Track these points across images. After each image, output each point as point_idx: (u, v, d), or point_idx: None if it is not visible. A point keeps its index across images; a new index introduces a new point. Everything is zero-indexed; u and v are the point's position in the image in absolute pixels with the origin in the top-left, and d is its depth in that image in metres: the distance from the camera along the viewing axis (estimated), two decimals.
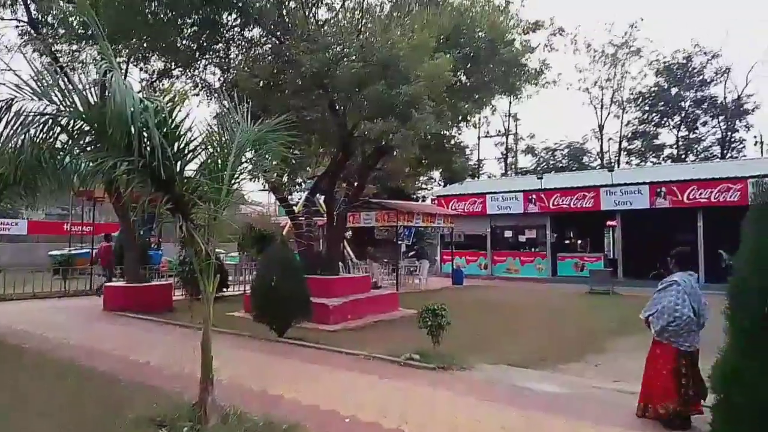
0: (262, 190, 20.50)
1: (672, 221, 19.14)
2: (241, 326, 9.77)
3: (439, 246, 24.84)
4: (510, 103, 34.75)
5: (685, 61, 29.61)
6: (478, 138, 36.87)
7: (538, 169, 32.28)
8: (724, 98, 29.37)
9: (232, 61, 11.85)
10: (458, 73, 11.22)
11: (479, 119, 35.47)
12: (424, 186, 34.80)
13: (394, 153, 12.13)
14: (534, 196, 22.02)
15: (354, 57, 8.87)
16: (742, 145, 29.09)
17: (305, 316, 9.08)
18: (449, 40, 10.59)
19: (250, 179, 7.00)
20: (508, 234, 23.35)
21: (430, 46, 8.70)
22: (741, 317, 3.68)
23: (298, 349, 8.29)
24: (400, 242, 20.87)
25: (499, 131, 36.78)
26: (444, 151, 14.06)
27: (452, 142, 14.65)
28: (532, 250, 22.65)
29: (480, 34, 11.11)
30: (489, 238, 23.48)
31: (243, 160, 5.27)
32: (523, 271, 22.20)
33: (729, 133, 29.29)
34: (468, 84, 12.13)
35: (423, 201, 30.04)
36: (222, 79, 11.95)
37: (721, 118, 29.23)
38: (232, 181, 4.99)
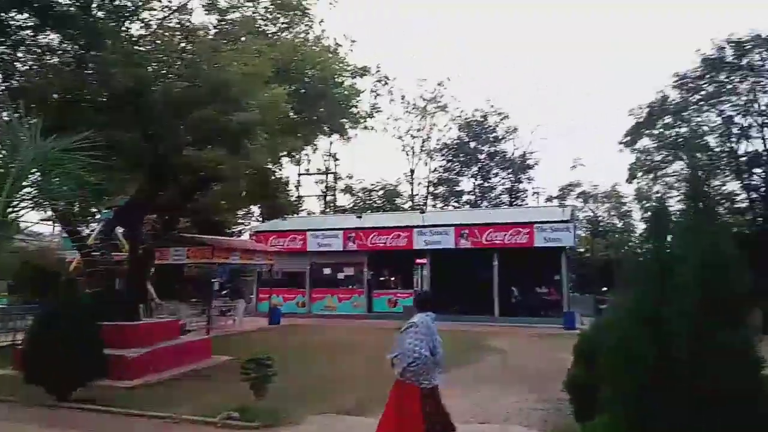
0: (45, 220, 17.40)
1: (473, 260, 21.10)
2: (9, 389, 7.81)
3: (256, 283, 23.76)
4: (331, 143, 35.75)
5: (482, 119, 33.87)
6: (299, 174, 36.92)
7: (356, 208, 33.38)
8: (512, 153, 34.17)
9: (19, 66, 9.84)
10: (289, 108, 10.93)
11: (301, 156, 35.72)
12: (241, 221, 33.38)
13: (216, 185, 11.21)
14: (353, 235, 22.49)
15: (178, 76, 7.97)
16: (525, 195, 34.06)
17: (98, 373, 7.58)
18: (280, 74, 10.28)
19: (34, 208, 5.65)
20: (327, 271, 23.37)
21: (266, 75, 8.27)
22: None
23: (85, 416, 6.84)
24: (213, 280, 19.35)
25: (319, 169, 37.37)
26: (268, 186, 13.53)
27: (276, 176, 14.20)
28: (350, 287, 22.96)
29: (311, 72, 11.04)
30: (308, 276, 23.21)
31: (25, 183, 4.21)
32: (340, 308, 22.30)
33: (516, 184, 34.03)
34: (297, 119, 11.90)
35: (239, 236, 28.68)
36: (4, 86, 9.83)
37: (509, 170, 33.86)
38: (9, 210, 3.91)
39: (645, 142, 29.96)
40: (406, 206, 35.35)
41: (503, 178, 34.44)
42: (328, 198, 37.52)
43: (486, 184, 34.88)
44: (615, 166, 70.26)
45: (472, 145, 34.29)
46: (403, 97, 34.29)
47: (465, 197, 35.37)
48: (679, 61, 51.95)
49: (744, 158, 26.47)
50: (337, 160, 37.02)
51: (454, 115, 34.85)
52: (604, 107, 62.93)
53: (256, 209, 33.35)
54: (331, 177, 37.33)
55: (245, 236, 26.89)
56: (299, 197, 36.67)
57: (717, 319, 3.00)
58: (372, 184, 35.39)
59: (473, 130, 34.12)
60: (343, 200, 37.29)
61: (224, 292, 21.97)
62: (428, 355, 4.92)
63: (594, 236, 28.61)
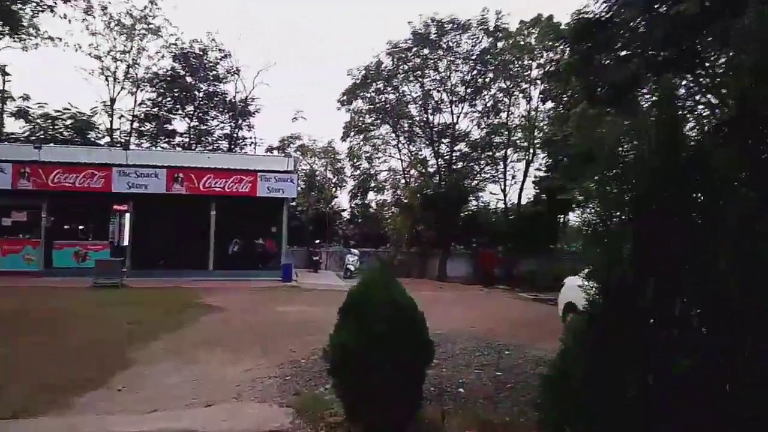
0: None
1: (187, 208, 18.89)
2: None
3: None
4: None
5: (201, 53, 30.45)
6: None
7: (33, 138, 26.42)
8: (234, 97, 31.88)
9: None
10: None
11: None
12: None
13: None
14: (28, 170, 17.50)
15: None
16: (245, 143, 32.33)
17: None
18: None
19: None
20: None
21: None
22: None
23: None
24: None
25: None
26: None
27: None
28: (21, 236, 18.00)
29: None
30: None
31: None
32: (5, 263, 17.31)
33: (237, 131, 31.99)
34: None
35: None
36: None
37: (230, 114, 31.55)
38: None
39: (359, 104, 31.71)
40: (102, 142, 29.77)
41: (222, 122, 32.00)
42: None
43: (203, 127, 31.91)
44: (333, 123, 74.09)
45: (189, 80, 30.67)
46: (104, 9, 28.27)
47: (178, 139, 31.73)
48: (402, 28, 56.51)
49: (436, 129, 30.43)
50: (7, 75, 28.54)
51: (168, 42, 30.52)
52: (331, 64, 65.43)
53: None
54: None
55: None
56: None
57: None
58: (57, 111, 28.50)
59: (190, 64, 30.49)
60: (14, 126, 29.19)
61: None
62: None
63: (310, 190, 29.21)
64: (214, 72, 31.26)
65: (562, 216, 28.34)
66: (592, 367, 1.92)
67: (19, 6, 8.90)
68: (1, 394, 5.72)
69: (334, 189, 32.69)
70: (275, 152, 31.81)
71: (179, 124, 32.14)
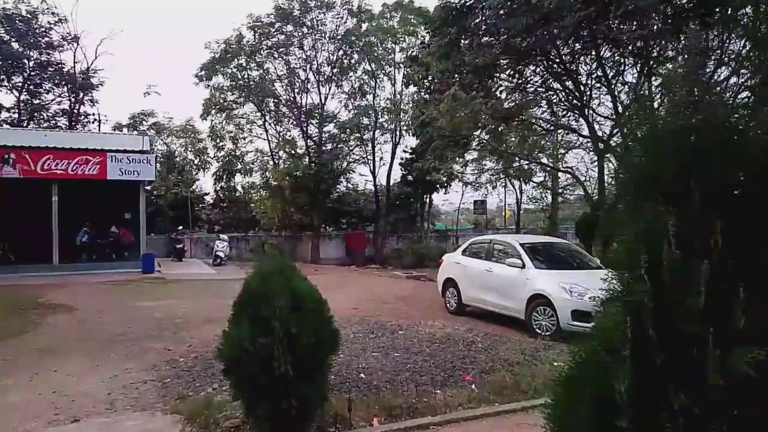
0: None
1: (23, 194, 16.30)
2: None
3: None
4: None
5: (29, 17, 26.13)
6: None
7: None
8: (73, 68, 27.94)
9: None
10: None
11: None
12: None
13: None
14: None
15: None
16: (87, 120, 28.55)
17: None
18: None
19: None
20: None
21: None
22: None
23: None
24: None
25: None
26: None
27: None
28: None
29: None
30: None
31: None
32: None
33: (78, 106, 28.12)
34: None
35: None
36: None
37: (68, 87, 27.62)
38: None
39: (220, 80, 29.85)
40: None
41: (60, 96, 27.90)
42: None
43: (36, 101, 27.58)
44: (191, 99, 68.74)
45: (15, 46, 26.21)
46: None
47: (4, 114, 27.10)
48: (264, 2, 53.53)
49: (303, 109, 29.79)
50: None
51: None
52: (188, 37, 60.49)
53: None
54: None
55: None
56: None
57: None
58: None
59: (16, 28, 26.05)
60: None
61: None
62: None
63: (168, 172, 26.88)
64: (47, 39, 27.12)
65: (428, 196, 29.54)
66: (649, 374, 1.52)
67: None
68: None
69: (196, 171, 30.54)
70: (125, 130, 28.71)
71: (5, 98, 27.56)
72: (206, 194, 32.64)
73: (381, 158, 29.89)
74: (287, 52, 29.32)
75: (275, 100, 30.31)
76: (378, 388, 5.16)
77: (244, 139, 30.97)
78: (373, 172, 29.34)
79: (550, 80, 16.11)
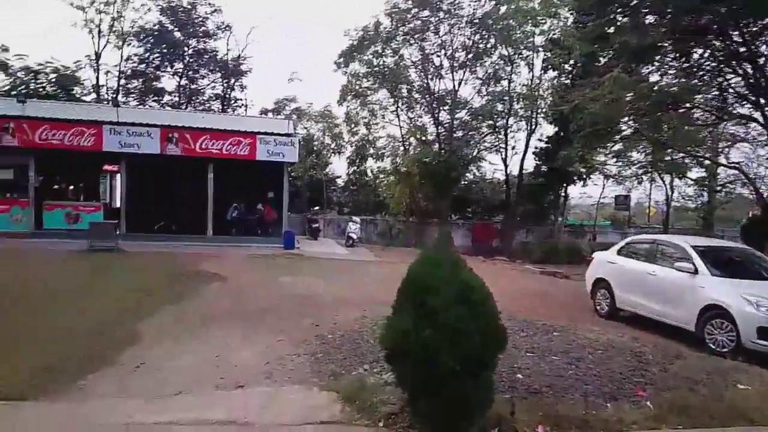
0: None
1: (181, 170, 18.04)
2: None
3: None
4: None
5: (190, 7, 28.85)
6: None
7: (13, 93, 25.00)
8: (226, 55, 30.46)
9: None
10: None
11: None
12: None
13: None
14: (12, 125, 16.41)
15: None
16: (237, 105, 31.04)
17: None
18: None
19: None
20: None
21: None
22: None
23: None
24: None
25: None
26: None
27: None
28: (8, 196, 17.03)
29: None
30: None
31: None
32: None
33: (229, 91, 30.65)
34: None
35: None
36: None
37: (222, 74, 30.16)
38: None
39: (356, 67, 30.56)
40: (88, 98, 28.37)
41: (213, 82, 30.59)
42: None
43: (193, 86, 30.50)
44: (330, 86, 71.81)
45: (177, 35, 29.12)
46: None
47: (167, 98, 30.34)
48: None
49: (436, 95, 29.54)
50: None
51: None
52: (328, 24, 63.14)
53: None
54: None
55: None
56: None
57: None
58: (39, 64, 26.97)
59: (178, 18, 28.89)
60: None
61: None
62: None
63: (307, 155, 28.29)
64: (204, 28, 29.75)
65: (564, 188, 27.84)
66: None
67: None
68: (10, 368, 5.14)
69: (331, 155, 31.76)
70: (269, 114, 30.66)
71: (168, 83, 30.79)
72: (338, 177, 33.87)
73: (513, 147, 28.79)
74: (422, 37, 29.19)
75: (408, 86, 30.40)
76: (539, 392, 4.78)
77: (377, 124, 31.54)
78: (504, 161, 28.33)
79: (722, 64, 14.16)
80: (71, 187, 18.73)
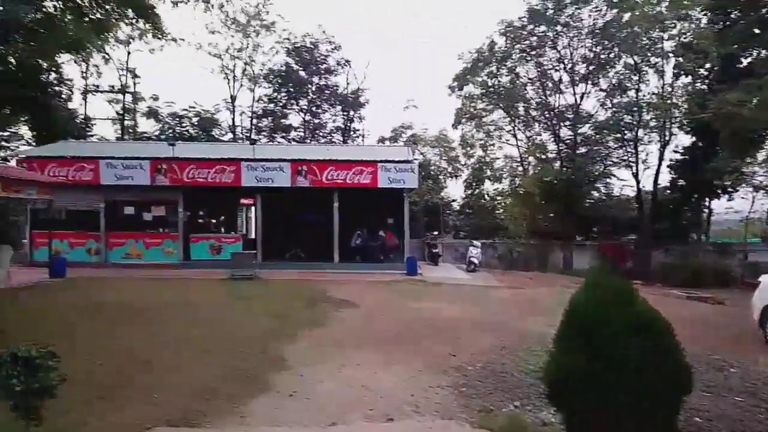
0: None
1: (310, 200, 18.95)
2: None
3: (29, 225, 18.37)
4: (129, 52, 29.44)
5: (312, 46, 30.80)
6: (85, 90, 29.91)
7: (162, 137, 28.23)
8: (345, 89, 31.97)
9: None
10: None
11: (87, 68, 28.81)
12: (5, 143, 25.96)
13: None
14: (164, 166, 18.42)
15: None
16: (357, 135, 32.36)
17: None
18: None
19: None
20: (129, 211, 18.95)
21: None
22: None
23: None
24: None
25: (113, 86, 30.76)
26: (34, 89, 9.36)
27: (49, 78, 9.99)
28: (161, 230, 19.06)
29: None
30: (103, 216, 18.58)
31: None
32: (147, 256, 18.40)
33: (349, 123, 32.10)
34: None
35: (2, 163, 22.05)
36: None
37: (342, 107, 31.70)
38: None
39: (471, 89, 30.47)
40: (225, 138, 31.19)
41: (334, 115, 32.25)
42: (127, 122, 31.31)
43: (316, 121, 32.33)
44: (443, 111, 72.57)
45: (302, 74, 31.18)
46: (222, 6, 29.36)
47: (293, 133, 32.41)
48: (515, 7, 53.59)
49: (555, 111, 28.44)
50: (137, 76, 30.88)
51: (281, 37, 31.19)
52: (439, 48, 64.27)
53: (26, 131, 26.15)
54: (129, 97, 31.11)
55: (13, 164, 20.55)
56: (87, 118, 29.92)
57: None
58: (183, 110, 30.29)
59: (303, 58, 30.96)
60: (146, 126, 31.48)
61: None
62: None
63: (424, 180, 28.55)
64: (325, 65, 31.52)
65: (706, 203, 25.15)
66: None
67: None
68: (171, 394, 5.55)
69: (447, 179, 31.75)
70: (387, 142, 31.49)
71: (294, 119, 32.90)
72: (453, 200, 33.67)
73: (644, 160, 26.68)
74: (540, 53, 28.47)
75: (525, 104, 29.70)
76: None
77: (493, 145, 31.07)
78: (635, 175, 26.32)
79: None
80: (213, 221, 20.46)
